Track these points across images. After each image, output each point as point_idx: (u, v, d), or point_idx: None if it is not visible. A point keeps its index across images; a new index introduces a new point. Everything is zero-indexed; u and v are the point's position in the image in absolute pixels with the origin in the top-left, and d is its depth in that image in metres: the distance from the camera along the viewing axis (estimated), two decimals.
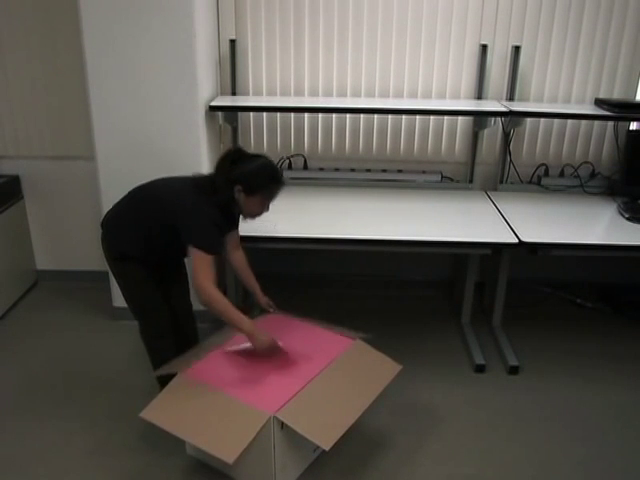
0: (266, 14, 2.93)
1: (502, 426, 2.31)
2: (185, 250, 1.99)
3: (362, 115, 3.07)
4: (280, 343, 2.05)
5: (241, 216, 2.18)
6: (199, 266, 1.93)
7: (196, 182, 2.06)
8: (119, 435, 2.23)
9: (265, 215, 2.14)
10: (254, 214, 2.10)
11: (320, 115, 3.09)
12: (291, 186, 3.08)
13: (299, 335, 2.23)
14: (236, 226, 2.26)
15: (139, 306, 2.22)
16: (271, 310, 2.33)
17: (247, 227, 2.48)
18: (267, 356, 2.02)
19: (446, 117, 3.08)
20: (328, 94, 3.06)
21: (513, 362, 2.66)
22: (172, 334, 2.25)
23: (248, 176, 1.99)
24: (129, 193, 2.15)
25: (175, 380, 1.99)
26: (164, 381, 2.03)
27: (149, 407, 1.88)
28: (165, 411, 1.88)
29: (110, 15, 2.48)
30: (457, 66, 3.00)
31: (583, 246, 2.42)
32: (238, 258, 2.33)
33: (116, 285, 2.95)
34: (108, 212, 2.18)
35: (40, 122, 3.10)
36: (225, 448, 1.73)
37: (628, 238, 2.45)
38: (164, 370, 2.06)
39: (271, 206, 2.12)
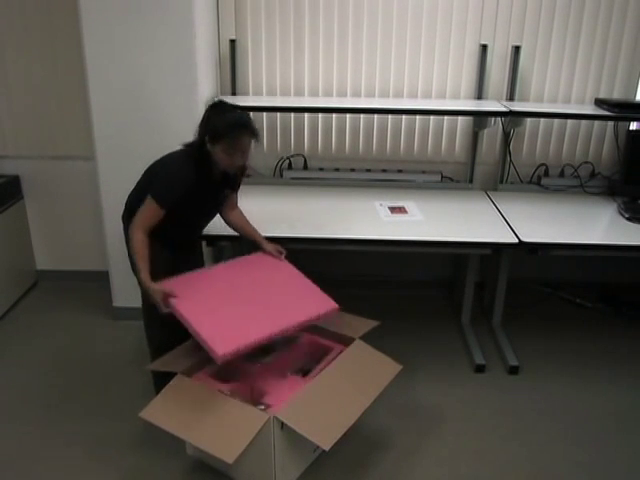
0: (266, 14, 2.93)
1: (502, 426, 2.31)
2: (188, 226, 2.12)
3: (362, 115, 3.07)
4: (173, 299, 1.96)
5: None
6: (142, 210, 2.00)
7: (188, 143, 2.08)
8: (119, 435, 2.23)
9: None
10: (224, 165, 2.02)
11: (320, 115, 3.09)
12: (291, 186, 3.10)
13: (283, 281, 2.20)
14: (232, 189, 2.25)
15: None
16: (282, 256, 2.29)
17: None
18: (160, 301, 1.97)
19: (446, 117, 3.08)
20: (328, 94, 3.06)
21: (513, 362, 2.66)
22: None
23: (212, 125, 1.97)
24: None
25: (175, 380, 1.99)
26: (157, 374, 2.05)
27: (149, 407, 1.88)
28: (165, 411, 1.88)
29: (110, 15, 2.48)
30: (457, 66, 3.00)
31: (583, 246, 2.42)
32: (236, 216, 2.32)
33: (116, 285, 2.98)
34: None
35: (40, 122, 3.10)
36: (225, 448, 1.73)
37: (628, 238, 2.45)
38: (157, 366, 2.07)
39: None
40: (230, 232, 2.35)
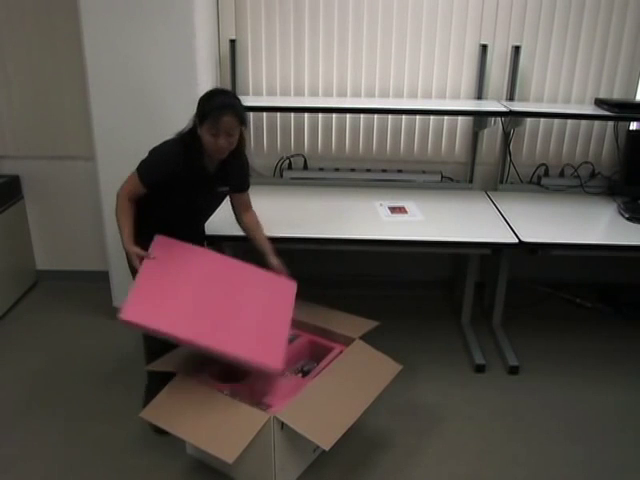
0: (266, 14, 2.93)
1: (502, 426, 2.31)
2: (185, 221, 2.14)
3: (362, 115, 3.07)
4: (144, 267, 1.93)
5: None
6: (126, 181, 2.06)
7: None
8: (119, 435, 2.23)
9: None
10: (210, 147, 1.99)
11: (320, 115, 3.09)
12: (291, 186, 3.10)
13: (260, 307, 2.04)
14: (236, 188, 2.23)
15: None
16: (282, 274, 2.20)
17: None
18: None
19: (446, 117, 3.07)
20: (328, 94, 3.06)
21: (513, 362, 2.66)
22: None
23: (201, 106, 1.98)
24: None
25: (175, 380, 1.99)
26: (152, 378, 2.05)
27: (149, 407, 1.89)
28: (165, 411, 1.88)
29: (110, 15, 2.48)
30: (457, 66, 3.00)
31: (583, 246, 2.42)
32: (249, 219, 2.29)
33: (116, 285, 2.98)
34: None
35: (40, 122, 3.10)
36: (225, 448, 1.73)
37: (628, 238, 2.45)
38: (157, 366, 2.06)
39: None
40: (230, 232, 2.35)
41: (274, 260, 2.21)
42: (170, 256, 1.99)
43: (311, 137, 3.15)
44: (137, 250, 1.96)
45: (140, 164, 2.05)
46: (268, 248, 2.23)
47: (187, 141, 2.02)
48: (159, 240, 2.03)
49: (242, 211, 2.29)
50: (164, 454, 2.12)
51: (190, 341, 1.84)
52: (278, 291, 2.13)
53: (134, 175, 2.04)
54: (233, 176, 2.19)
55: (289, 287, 2.16)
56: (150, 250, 1.99)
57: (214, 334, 1.87)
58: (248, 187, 2.28)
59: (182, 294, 1.94)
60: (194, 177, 2.05)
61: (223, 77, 3.04)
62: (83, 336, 2.90)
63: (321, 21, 2.93)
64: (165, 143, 2.06)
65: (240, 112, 1.98)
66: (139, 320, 1.80)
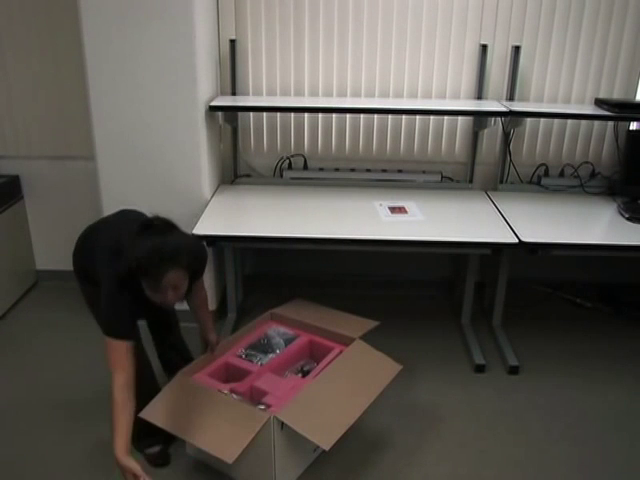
0: (266, 14, 2.93)
1: (502, 426, 2.31)
2: None
3: (362, 115, 3.07)
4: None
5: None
6: (106, 349, 1.75)
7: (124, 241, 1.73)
8: None
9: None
10: (155, 301, 1.75)
11: (320, 115, 3.09)
12: (291, 186, 3.09)
13: None
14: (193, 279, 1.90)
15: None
16: (210, 351, 2.17)
17: (245, 226, 2.49)
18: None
19: (446, 117, 3.07)
20: (328, 94, 3.06)
21: (513, 362, 2.66)
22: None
23: (134, 254, 1.65)
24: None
25: (175, 380, 1.99)
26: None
27: (149, 407, 1.88)
28: (165, 411, 1.88)
29: (110, 15, 2.48)
30: (457, 66, 3.00)
31: (583, 246, 2.42)
32: (198, 299, 2.14)
33: None
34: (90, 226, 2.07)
35: (40, 122, 3.10)
36: (225, 448, 1.73)
37: (628, 238, 2.45)
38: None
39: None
40: (230, 232, 2.35)
41: (212, 337, 2.17)
42: None
43: (311, 137, 3.15)
44: (131, 466, 1.64)
45: (106, 328, 1.77)
46: (209, 325, 2.18)
47: (128, 285, 1.72)
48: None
49: (194, 293, 2.04)
50: None
51: None
52: None
53: (110, 342, 1.73)
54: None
55: None
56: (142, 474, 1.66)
57: None
58: (201, 274, 2.02)
59: None
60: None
61: (223, 77, 3.04)
62: (83, 336, 2.89)
63: (321, 21, 2.93)
64: (109, 296, 1.78)
65: (187, 260, 1.69)
66: None
